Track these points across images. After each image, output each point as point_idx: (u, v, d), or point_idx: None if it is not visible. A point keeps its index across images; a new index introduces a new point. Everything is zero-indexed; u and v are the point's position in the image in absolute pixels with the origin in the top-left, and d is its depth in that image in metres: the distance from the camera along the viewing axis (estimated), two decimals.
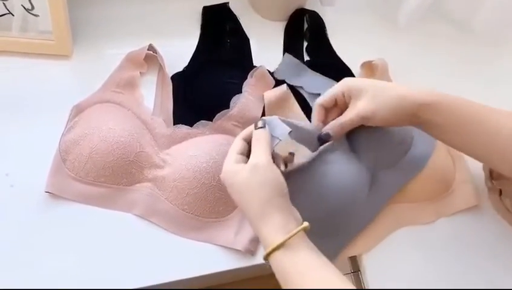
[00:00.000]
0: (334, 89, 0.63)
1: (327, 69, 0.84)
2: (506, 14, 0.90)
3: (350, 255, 0.70)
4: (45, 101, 0.76)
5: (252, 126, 0.57)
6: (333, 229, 0.66)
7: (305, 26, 0.92)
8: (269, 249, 0.51)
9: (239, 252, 0.67)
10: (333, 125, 0.63)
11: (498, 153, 0.59)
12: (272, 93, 0.78)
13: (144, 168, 0.70)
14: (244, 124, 0.75)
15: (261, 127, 0.56)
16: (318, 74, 0.82)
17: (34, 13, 0.77)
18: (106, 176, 0.68)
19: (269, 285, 0.60)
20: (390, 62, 0.84)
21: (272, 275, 0.53)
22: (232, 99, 0.76)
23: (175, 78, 0.80)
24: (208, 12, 0.89)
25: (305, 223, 0.52)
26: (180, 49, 0.84)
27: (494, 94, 0.60)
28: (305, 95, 0.81)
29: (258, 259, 0.67)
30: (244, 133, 0.58)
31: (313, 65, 0.84)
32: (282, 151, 0.58)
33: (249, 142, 0.57)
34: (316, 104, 0.64)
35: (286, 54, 0.80)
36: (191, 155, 0.69)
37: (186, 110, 0.77)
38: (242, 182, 0.53)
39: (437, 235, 0.73)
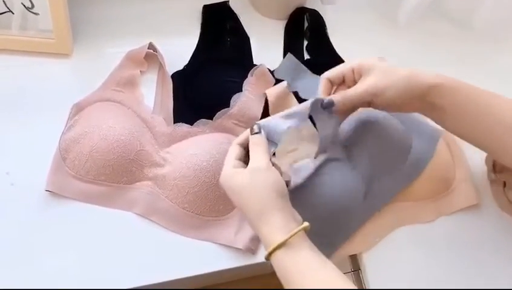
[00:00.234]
0: (344, 65, 0.62)
1: (327, 68, 0.82)
2: (506, 11, 0.90)
3: (350, 254, 0.70)
4: (45, 99, 0.76)
5: (247, 131, 0.57)
6: (324, 233, 0.66)
7: (306, 24, 0.91)
8: (270, 249, 0.51)
9: (239, 251, 0.67)
10: (338, 94, 0.61)
11: (502, 142, 0.59)
12: (274, 91, 0.78)
13: (144, 166, 0.70)
14: (245, 123, 0.75)
15: (256, 132, 0.56)
16: (318, 77, 0.81)
17: (34, 11, 0.77)
18: (106, 175, 0.68)
19: (270, 284, 0.60)
20: (390, 60, 0.83)
21: (272, 274, 0.53)
22: (232, 98, 0.76)
23: (176, 76, 0.80)
24: (208, 11, 0.89)
25: (306, 223, 0.52)
26: (180, 47, 0.84)
27: (496, 91, 0.60)
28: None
29: (259, 258, 0.67)
30: (240, 138, 0.58)
31: (313, 64, 0.84)
32: (282, 157, 0.57)
33: (245, 147, 0.57)
34: (322, 77, 0.62)
35: (288, 54, 0.80)
36: (191, 154, 0.69)
37: (186, 109, 0.77)
38: (242, 184, 0.53)
39: (438, 234, 0.73)
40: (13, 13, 0.77)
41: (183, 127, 0.74)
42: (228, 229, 0.68)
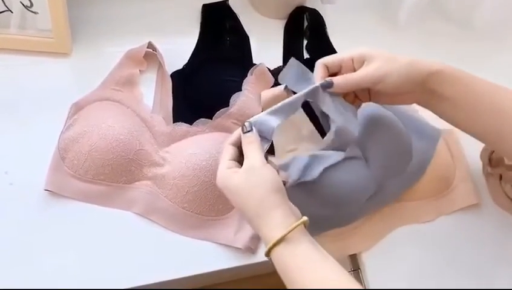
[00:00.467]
0: (343, 53, 0.61)
1: None
2: (506, 11, 0.90)
3: (350, 253, 0.70)
4: (44, 98, 0.76)
5: (239, 130, 0.56)
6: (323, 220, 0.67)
7: (305, 24, 0.91)
8: (270, 245, 0.51)
9: (239, 250, 0.67)
10: (339, 77, 0.60)
11: (502, 131, 0.58)
12: (269, 93, 0.77)
13: (143, 166, 0.70)
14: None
15: (248, 131, 0.56)
16: None
17: (33, 10, 0.77)
18: (105, 174, 0.68)
19: (269, 284, 0.60)
20: None
21: (272, 274, 0.53)
22: (232, 97, 0.76)
23: (175, 76, 0.80)
24: (208, 10, 0.89)
25: (304, 218, 0.52)
26: (179, 46, 0.83)
27: None
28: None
29: (258, 257, 0.67)
30: (232, 138, 0.57)
31: (313, 63, 0.83)
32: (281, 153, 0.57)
33: (238, 146, 0.57)
34: (318, 62, 0.61)
35: (292, 58, 0.79)
36: (191, 153, 0.69)
37: (186, 108, 0.77)
38: (238, 184, 0.53)
39: (437, 234, 0.73)
40: (12, 12, 0.77)
41: (183, 126, 0.74)
42: (227, 229, 0.68)
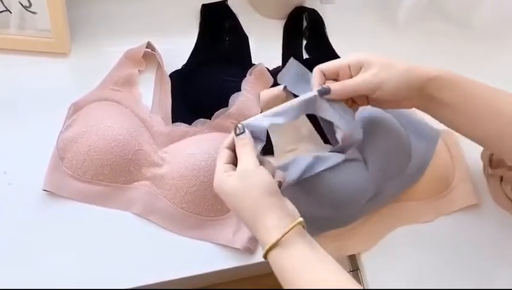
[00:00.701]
0: (340, 60, 0.61)
1: None
2: (505, 10, 0.90)
3: (349, 254, 0.70)
4: (43, 98, 0.76)
5: (233, 133, 0.57)
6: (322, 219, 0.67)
7: (305, 24, 0.91)
8: (266, 248, 0.51)
9: (237, 251, 0.67)
10: (337, 83, 0.60)
11: (501, 134, 0.59)
12: (268, 93, 0.77)
13: (142, 166, 0.70)
14: None
15: (241, 133, 0.56)
16: None
17: (31, 10, 0.77)
18: (104, 174, 0.68)
19: (268, 284, 0.59)
20: None
21: (270, 274, 0.53)
22: (231, 98, 0.76)
23: (174, 76, 0.80)
24: (207, 10, 0.89)
25: (300, 219, 0.52)
26: (178, 46, 0.83)
27: None
28: None
29: (257, 258, 0.67)
30: (227, 141, 0.57)
31: (312, 63, 0.83)
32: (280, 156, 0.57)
33: (233, 149, 0.57)
34: (315, 68, 0.61)
35: (292, 59, 0.79)
36: (190, 153, 0.69)
37: (185, 108, 0.77)
38: (233, 188, 0.53)
39: (436, 234, 0.73)
40: (11, 12, 0.77)
41: (181, 126, 0.74)
42: (226, 229, 0.68)
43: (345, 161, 0.63)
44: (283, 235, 0.50)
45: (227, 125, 0.74)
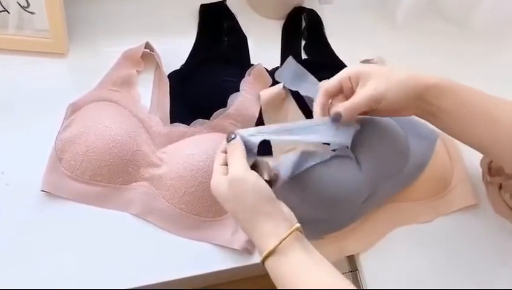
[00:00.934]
0: (340, 74, 0.61)
1: (324, 68, 0.83)
2: (503, 10, 0.90)
3: (348, 254, 0.70)
4: (41, 99, 0.75)
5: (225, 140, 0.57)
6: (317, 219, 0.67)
7: (303, 24, 0.91)
8: (262, 256, 0.51)
9: (236, 252, 0.67)
10: (344, 105, 0.60)
11: (498, 142, 0.59)
12: (268, 92, 0.77)
13: (140, 167, 0.70)
14: (242, 123, 0.74)
15: (233, 139, 0.56)
16: (318, 81, 0.80)
17: (29, 10, 0.77)
18: (102, 175, 0.68)
19: (266, 285, 0.59)
20: (388, 60, 0.84)
21: (268, 275, 0.53)
22: (230, 98, 0.76)
23: (172, 76, 0.80)
24: (205, 10, 0.88)
25: (296, 225, 0.52)
26: (177, 47, 0.83)
27: (494, 90, 0.61)
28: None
29: (255, 258, 0.67)
30: (223, 146, 0.58)
31: (310, 63, 0.84)
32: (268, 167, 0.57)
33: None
34: (320, 89, 0.62)
35: (290, 57, 0.79)
36: (188, 154, 0.69)
37: (183, 109, 0.77)
38: (224, 194, 0.54)
39: (435, 235, 0.73)
40: (9, 12, 0.77)
41: (180, 127, 0.74)
42: (225, 230, 0.68)
43: (335, 157, 0.63)
44: (280, 243, 0.51)
45: (225, 126, 0.74)
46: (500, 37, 0.93)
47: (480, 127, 0.59)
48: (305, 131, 0.60)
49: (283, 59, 0.86)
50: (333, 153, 0.63)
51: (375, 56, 0.83)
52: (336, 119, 0.60)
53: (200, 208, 0.68)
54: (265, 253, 0.51)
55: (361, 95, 0.59)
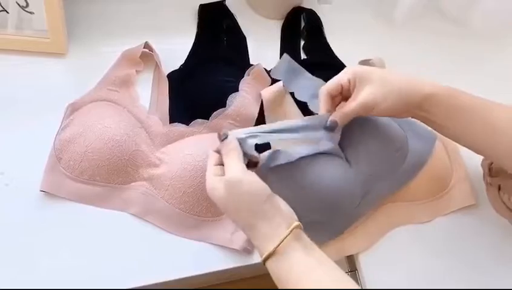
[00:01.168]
0: (340, 76, 0.62)
1: (323, 68, 0.83)
2: (502, 9, 0.90)
3: (347, 255, 0.70)
4: (40, 99, 0.75)
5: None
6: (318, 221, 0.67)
7: (302, 24, 0.91)
8: (263, 257, 0.51)
9: (235, 251, 0.67)
10: (339, 114, 0.61)
11: (495, 146, 0.60)
12: (269, 91, 0.77)
13: (139, 167, 0.70)
14: (241, 123, 0.74)
15: (225, 138, 0.55)
16: (314, 78, 0.81)
17: (28, 10, 0.77)
18: (101, 175, 0.68)
19: (266, 285, 0.59)
20: (388, 60, 0.84)
21: (268, 275, 0.53)
22: (229, 98, 0.76)
23: (172, 76, 0.80)
24: (205, 10, 0.88)
25: (295, 223, 0.52)
26: (176, 47, 0.83)
27: (493, 90, 0.61)
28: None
29: (255, 258, 0.67)
30: (215, 146, 0.57)
31: (309, 64, 0.84)
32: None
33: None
34: (322, 93, 0.62)
35: (285, 54, 0.79)
36: (187, 154, 0.69)
37: (182, 109, 0.77)
38: (221, 198, 0.53)
39: (434, 234, 0.73)
40: (8, 12, 0.77)
41: (179, 127, 0.74)
42: (224, 230, 0.68)
43: (320, 154, 0.62)
44: (279, 244, 0.50)
45: (225, 126, 0.74)
46: (498, 36, 0.94)
47: (477, 132, 0.60)
48: (295, 130, 0.61)
49: None
50: (319, 150, 0.62)
51: (374, 56, 0.83)
52: (332, 128, 0.61)
53: (199, 208, 0.68)
54: (264, 255, 0.51)
55: (357, 101, 0.60)
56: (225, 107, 0.75)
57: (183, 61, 0.82)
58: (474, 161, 0.77)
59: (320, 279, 0.50)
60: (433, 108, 0.60)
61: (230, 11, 0.90)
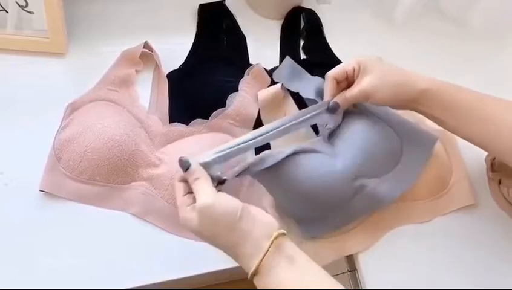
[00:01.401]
0: (346, 63, 0.66)
1: (323, 68, 0.83)
2: (502, 9, 0.90)
3: (346, 254, 0.70)
4: (40, 99, 0.75)
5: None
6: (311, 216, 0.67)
7: (302, 24, 0.91)
8: (248, 278, 0.52)
9: None
10: (341, 97, 0.66)
11: (493, 139, 0.62)
12: (266, 93, 0.77)
13: (139, 166, 0.70)
14: (240, 123, 0.75)
15: (188, 166, 0.55)
16: (317, 78, 0.80)
17: (28, 10, 0.77)
18: (101, 175, 0.68)
19: None
20: (387, 60, 0.84)
21: None
22: (228, 98, 0.76)
23: (171, 76, 0.80)
24: (204, 10, 0.88)
25: (275, 234, 0.52)
26: (176, 46, 0.83)
27: (493, 89, 0.62)
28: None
29: None
30: (178, 176, 0.57)
31: (309, 64, 0.84)
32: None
33: (186, 181, 0.56)
34: (329, 77, 0.66)
35: (287, 57, 0.79)
36: (187, 154, 0.68)
37: (182, 108, 0.77)
38: (198, 227, 0.53)
39: (435, 234, 0.73)
40: (8, 12, 0.77)
41: (179, 126, 0.74)
42: None
43: (299, 152, 0.63)
44: (260, 262, 0.51)
45: (224, 126, 0.74)
46: (497, 36, 0.93)
47: (475, 126, 0.62)
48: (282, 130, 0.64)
49: (282, 59, 0.85)
50: (302, 148, 0.63)
51: (376, 57, 0.83)
52: (334, 108, 0.66)
53: None
54: (249, 274, 0.51)
55: (357, 88, 0.64)
56: (225, 107, 0.75)
57: (183, 61, 0.82)
58: (474, 160, 0.77)
59: (305, 285, 0.51)
60: (429, 102, 0.63)
61: (229, 11, 0.90)
